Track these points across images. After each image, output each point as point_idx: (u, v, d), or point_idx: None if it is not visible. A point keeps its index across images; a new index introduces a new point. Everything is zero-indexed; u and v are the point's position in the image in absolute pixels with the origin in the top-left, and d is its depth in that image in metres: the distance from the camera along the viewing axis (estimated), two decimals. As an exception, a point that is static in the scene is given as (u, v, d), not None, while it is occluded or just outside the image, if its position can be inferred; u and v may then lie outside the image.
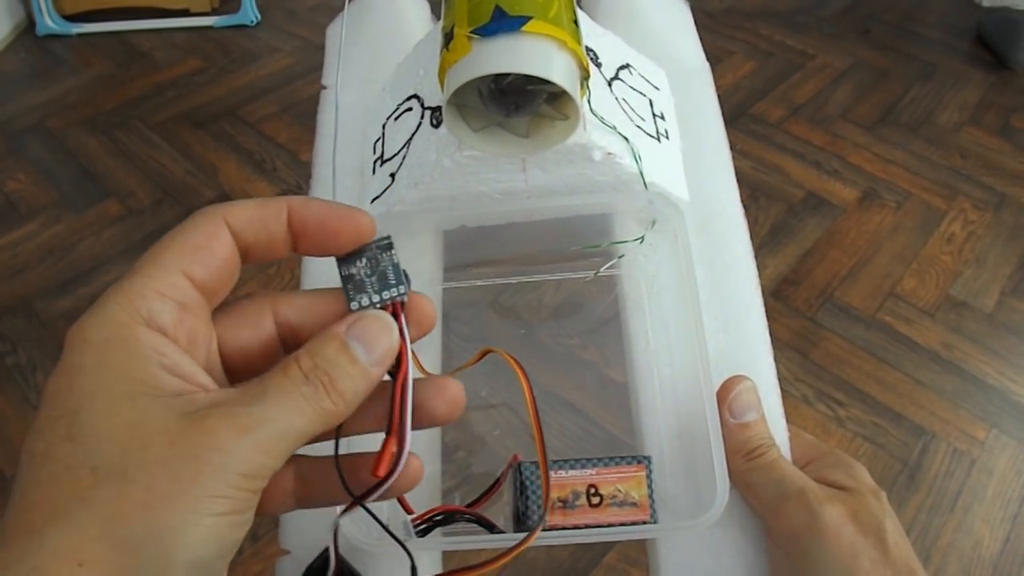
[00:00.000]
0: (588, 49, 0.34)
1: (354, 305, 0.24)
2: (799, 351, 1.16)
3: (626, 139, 0.34)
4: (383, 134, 0.38)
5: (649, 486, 0.30)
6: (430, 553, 0.32)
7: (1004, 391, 1.13)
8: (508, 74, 0.28)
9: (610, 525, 0.30)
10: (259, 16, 1.92)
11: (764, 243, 1.32)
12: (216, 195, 1.44)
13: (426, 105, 0.35)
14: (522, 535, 0.25)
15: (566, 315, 0.41)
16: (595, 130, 0.33)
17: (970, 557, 0.96)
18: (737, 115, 1.63)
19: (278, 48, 1.84)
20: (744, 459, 0.30)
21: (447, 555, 0.32)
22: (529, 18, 0.27)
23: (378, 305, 0.24)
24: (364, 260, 0.24)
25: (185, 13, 1.94)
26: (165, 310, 0.21)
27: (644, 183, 0.34)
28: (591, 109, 0.32)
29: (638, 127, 0.35)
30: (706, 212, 0.38)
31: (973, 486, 1.03)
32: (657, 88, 0.40)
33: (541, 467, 0.27)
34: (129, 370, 0.20)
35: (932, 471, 1.04)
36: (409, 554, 0.25)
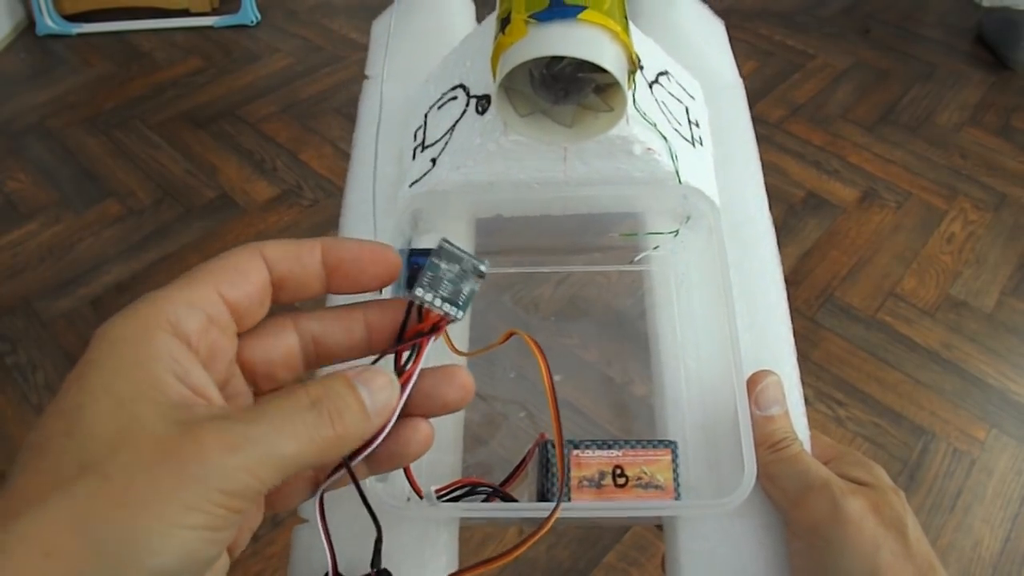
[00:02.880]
0: None
1: (418, 291, 0.24)
2: (799, 351, 1.15)
3: (665, 138, 0.35)
4: (424, 122, 0.39)
5: (675, 470, 0.31)
6: (448, 527, 0.32)
7: (1004, 391, 1.13)
8: (560, 60, 0.30)
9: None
10: (259, 16, 1.93)
11: (764, 243, 1.32)
12: (216, 195, 1.44)
13: (472, 93, 0.36)
14: (546, 504, 0.25)
15: (585, 309, 0.42)
16: (636, 125, 0.34)
17: (970, 557, 0.96)
18: (737, 115, 1.63)
19: (278, 48, 1.84)
20: (768, 451, 0.31)
21: (465, 536, 0.32)
22: (584, 8, 0.29)
23: (435, 306, 0.24)
24: (457, 267, 0.25)
25: (185, 13, 1.94)
26: (192, 318, 0.21)
27: (680, 182, 0.35)
28: (634, 104, 0.33)
29: (675, 130, 0.37)
30: (735, 218, 0.39)
31: (973, 486, 1.03)
32: (693, 97, 0.42)
33: (556, 441, 0.27)
34: (139, 371, 0.20)
35: (932, 471, 1.04)
36: (377, 524, 0.25)
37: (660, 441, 0.31)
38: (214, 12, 1.95)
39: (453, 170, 0.35)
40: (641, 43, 0.38)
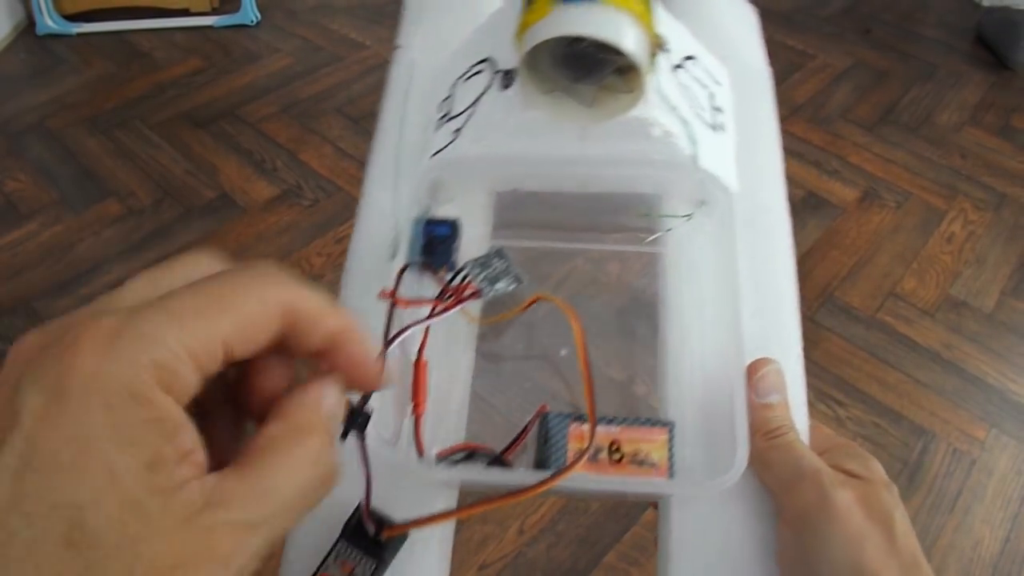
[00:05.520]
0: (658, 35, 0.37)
1: (470, 264, 0.31)
2: (799, 351, 1.16)
3: (685, 122, 0.35)
4: (451, 94, 0.40)
5: (670, 450, 0.31)
6: (448, 491, 0.33)
7: (1004, 391, 1.13)
8: (582, 41, 0.31)
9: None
10: (259, 16, 1.93)
11: (764, 243, 1.32)
12: (216, 195, 1.44)
13: (497, 68, 0.37)
14: (542, 473, 0.27)
15: (597, 287, 0.43)
16: (656, 108, 0.34)
17: (970, 557, 0.96)
18: (737, 115, 1.63)
19: (278, 48, 1.84)
20: (764, 438, 0.31)
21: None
22: None
23: (476, 280, 0.31)
24: (504, 267, 0.32)
25: (185, 13, 1.94)
26: (192, 383, 0.18)
27: (696, 165, 0.36)
28: (655, 88, 0.34)
29: (697, 115, 0.37)
30: (752, 205, 0.39)
31: (973, 486, 1.03)
32: (718, 83, 0.42)
33: (589, 408, 0.28)
34: (142, 452, 0.17)
35: (932, 471, 1.04)
36: (367, 469, 0.26)
37: (658, 421, 0.32)
38: (214, 12, 1.95)
39: (475, 143, 0.36)
40: (669, 27, 0.39)
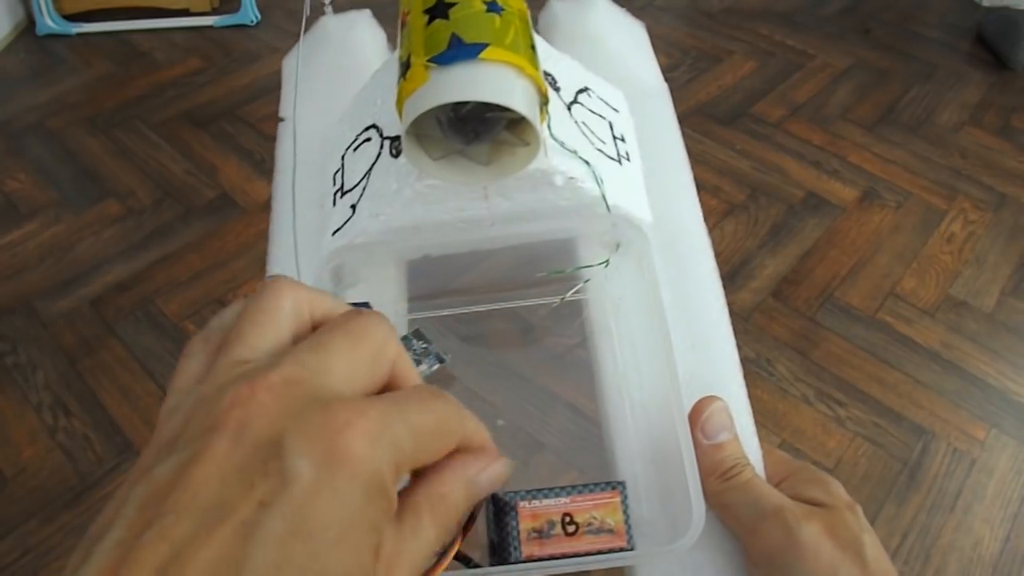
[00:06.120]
0: (546, 74, 0.34)
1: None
2: (799, 351, 1.16)
3: (587, 163, 0.34)
4: (342, 165, 0.38)
5: (625, 511, 0.30)
6: None
7: (1004, 391, 1.13)
8: (467, 102, 0.28)
9: (587, 554, 0.29)
10: (259, 16, 1.92)
11: (764, 243, 1.33)
12: (216, 195, 1.44)
13: (385, 135, 0.35)
14: (501, 568, 0.25)
15: (531, 342, 0.41)
16: (556, 155, 0.32)
17: (970, 557, 0.96)
18: (737, 115, 1.63)
19: (278, 48, 1.84)
20: (719, 480, 0.30)
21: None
22: (486, 45, 0.27)
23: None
24: (425, 347, 0.28)
25: (185, 13, 1.94)
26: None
27: (607, 206, 0.34)
28: (551, 134, 0.32)
29: (599, 150, 0.35)
30: (670, 233, 0.38)
31: (973, 486, 1.03)
32: (617, 111, 0.40)
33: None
34: (375, 539, 0.18)
35: (932, 471, 1.04)
36: None
37: (608, 483, 0.30)
38: (214, 12, 1.95)
39: (373, 217, 0.33)
40: (557, 63, 0.37)
